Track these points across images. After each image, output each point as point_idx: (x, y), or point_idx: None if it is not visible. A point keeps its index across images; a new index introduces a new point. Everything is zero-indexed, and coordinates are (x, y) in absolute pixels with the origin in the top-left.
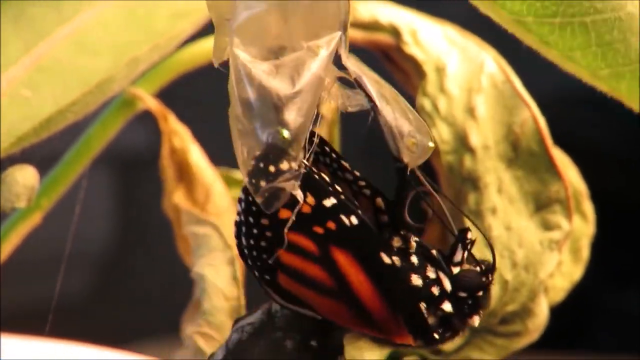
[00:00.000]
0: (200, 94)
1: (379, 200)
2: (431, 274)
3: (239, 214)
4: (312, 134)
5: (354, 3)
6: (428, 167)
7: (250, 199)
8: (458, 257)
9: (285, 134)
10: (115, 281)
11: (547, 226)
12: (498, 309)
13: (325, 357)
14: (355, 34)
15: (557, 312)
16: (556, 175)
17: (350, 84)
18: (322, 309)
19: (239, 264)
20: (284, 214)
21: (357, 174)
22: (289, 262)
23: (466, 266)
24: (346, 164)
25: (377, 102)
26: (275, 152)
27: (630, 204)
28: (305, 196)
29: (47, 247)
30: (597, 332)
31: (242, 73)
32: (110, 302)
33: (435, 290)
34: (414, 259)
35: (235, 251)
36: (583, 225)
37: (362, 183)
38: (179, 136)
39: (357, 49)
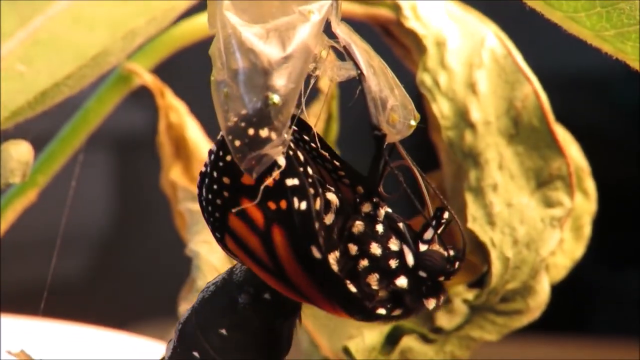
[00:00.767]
0: (198, 69)
1: (360, 188)
2: (393, 245)
3: (205, 165)
4: (294, 117)
5: None
6: (428, 143)
7: (221, 154)
8: (428, 235)
9: (275, 99)
10: (114, 262)
11: (549, 203)
12: (499, 286)
13: (281, 312)
14: (355, 9)
15: (555, 293)
16: (558, 151)
17: (340, 54)
18: (262, 278)
19: None
20: (247, 179)
21: (337, 163)
22: (236, 228)
23: (436, 246)
24: (326, 154)
25: (364, 71)
26: (260, 117)
27: (629, 187)
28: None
29: (45, 227)
30: (594, 314)
31: (231, 37)
32: (108, 283)
33: (393, 263)
34: (379, 228)
35: None
36: (585, 203)
37: (342, 173)
38: (176, 111)
39: (357, 24)
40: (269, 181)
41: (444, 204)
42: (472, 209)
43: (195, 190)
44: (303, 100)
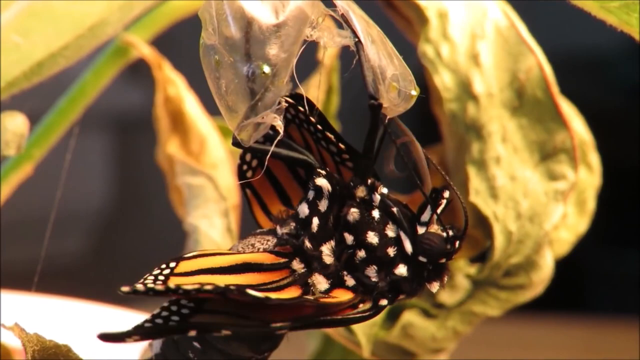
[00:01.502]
0: (196, 41)
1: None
2: (390, 232)
3: None
4: (299, 97)
5: None
6: (429, 116)
7: None
8: (425, 216)
9: (266, 69)
10: (112, 241)
11: (552, 176)
12: (502, 261)
13: None
14: None
15: (555, 272)
16: (562, 124)
17: (339, 24)
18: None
19: (234, 216)
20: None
21: (342, 146)
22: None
23: (434, 228)
24: (332, 136)
25: (362, 39)
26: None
27: (629, 167)
28: None
29: (44, 207)
30: (594, 293)
31: (224, 1)
32: (106, 263)
33: (391, 251)
34: (375, 214)
35: (230, 202)
36: (589, 177)
37: (346, 156)
38: (174, 85)
39: None
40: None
41: (446, 181)
42: (475, 182)
43: (194, 164)
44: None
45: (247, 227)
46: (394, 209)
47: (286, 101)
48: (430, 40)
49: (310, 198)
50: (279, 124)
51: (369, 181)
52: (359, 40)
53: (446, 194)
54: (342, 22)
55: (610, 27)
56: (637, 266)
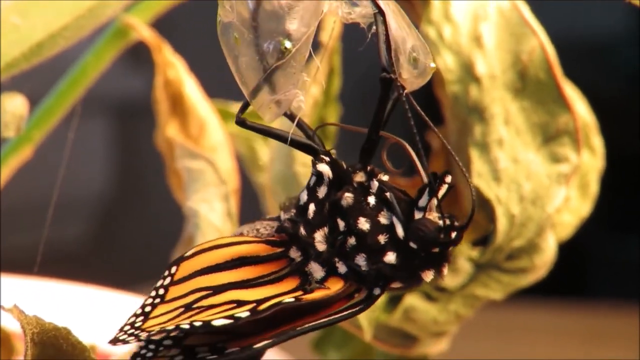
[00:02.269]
0: (197, 24)
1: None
2: (384, 219)
3: None
4: None
5: None
6: (431, 98)
7: None
8: (423, 201)
9: (287, 44)
10: (112, 227)
11: (555, 159)
12: (504, 244)
13: None
14: None
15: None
16: (565, 106)
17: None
18: None
19: (234, 200)
20: None
21: None
22: None
23: (434, 215)
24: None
25: (384, 8)
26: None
27: (630, 153)
28: None
29: (44, 193)
30: (595, 279)
31: None
32: (106, 249)
33: (382, 239)
34: (371, 200)
35: (230, 186)
36: (592, 160)
37: None
38: (173, 68)
39: None
40: None
41: (453, 158)
42: (477, 164)
43: (193, 148)
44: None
45: (247, 211)
46: (388, 194)
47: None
48: (433, 22)
49: (311, 184)
50: (301, 100)
51: (369, 168)
52: (380, 11)
53: (448, 178)
54: None
55: (613, 12)
56: (638, 251)
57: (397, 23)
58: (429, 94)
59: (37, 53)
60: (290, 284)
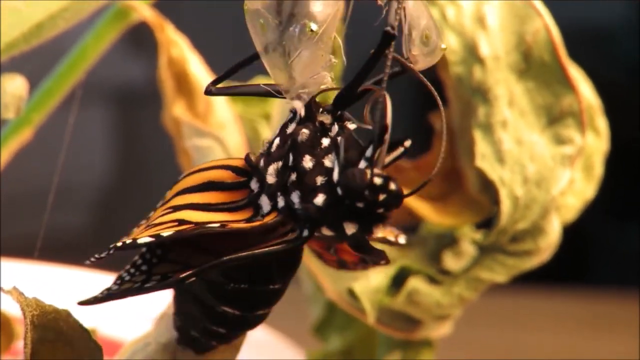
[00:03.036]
0: (198, 3)
1: None
2: (328, 162)
3: None
4: None
5: None
6: (435, 80)
7: None
8: (369, 152)
9: (313, 27)
10: (113, 214)
11: (560, 140)
12: (508, 226)
13: None
14: None
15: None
16: (569, 87)
17: None
18: None
19: None
20: None
21: None
22: None
23: (377, 170)
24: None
25: None
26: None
27: (632, 142)
28: None
29: (43, 180)
30: (595, 265)
31: None
32: (107, 236)
33: (319, 180)
34: (325, 141)
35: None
36: (596, 142)
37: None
38: (177, 46)
39: None
40: None
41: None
42: (481, 146)
43: (201, 126)
44: None
45: None
46: (339, 138)
47: None
48: (436, 3)
49: (286, 121)
50: (330, 81)
51: (339, 113)
52: None
53: (407, 143)
54: None
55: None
56: (638, 238)
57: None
58: (433, 75)
59: (37, 34)
60: (242, 215)
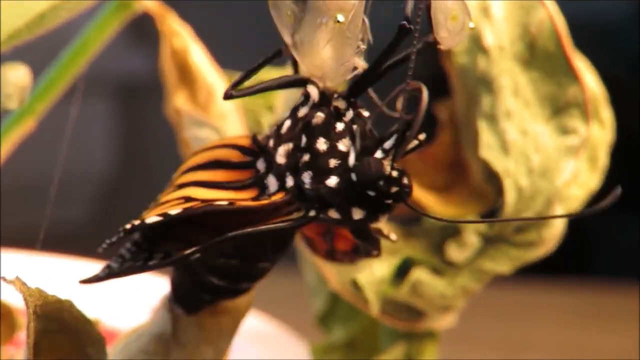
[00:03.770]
0: None
1: None
2: (342, 146)
3: None
4: None
5: None
6: (439, 70)
7: None
8: (388, 144)
9: (340, 18)
10: (115, 207)
11: (564, 131)
12: (513, 217)
13: None
14: None
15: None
16: (574, 77)
17: None
18: None
19: None
20: None
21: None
22: None
23: (387, 163)
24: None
25: None
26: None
27: (634, 135)
28: None
29: (45, 173)
30: (595, 257)
31: None
32: (109, 229)
33: (333, 163)
34: (339, 126)
35: None
36: (601, 132)
37: None
38: (179, 36)
39: None
40: None
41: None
42: (486, 136)
43: (201, 116)
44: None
45: None
46: (355, 126)
47: None
48: None
49: (297, 104)
50: (362, 65)
51: (353, 100)
52: None
53: (421, 136)
54: None
55: None
56: (638, 230)
57: None
58: (437, 65)
59: (40, 24)
60: (248, 194)
